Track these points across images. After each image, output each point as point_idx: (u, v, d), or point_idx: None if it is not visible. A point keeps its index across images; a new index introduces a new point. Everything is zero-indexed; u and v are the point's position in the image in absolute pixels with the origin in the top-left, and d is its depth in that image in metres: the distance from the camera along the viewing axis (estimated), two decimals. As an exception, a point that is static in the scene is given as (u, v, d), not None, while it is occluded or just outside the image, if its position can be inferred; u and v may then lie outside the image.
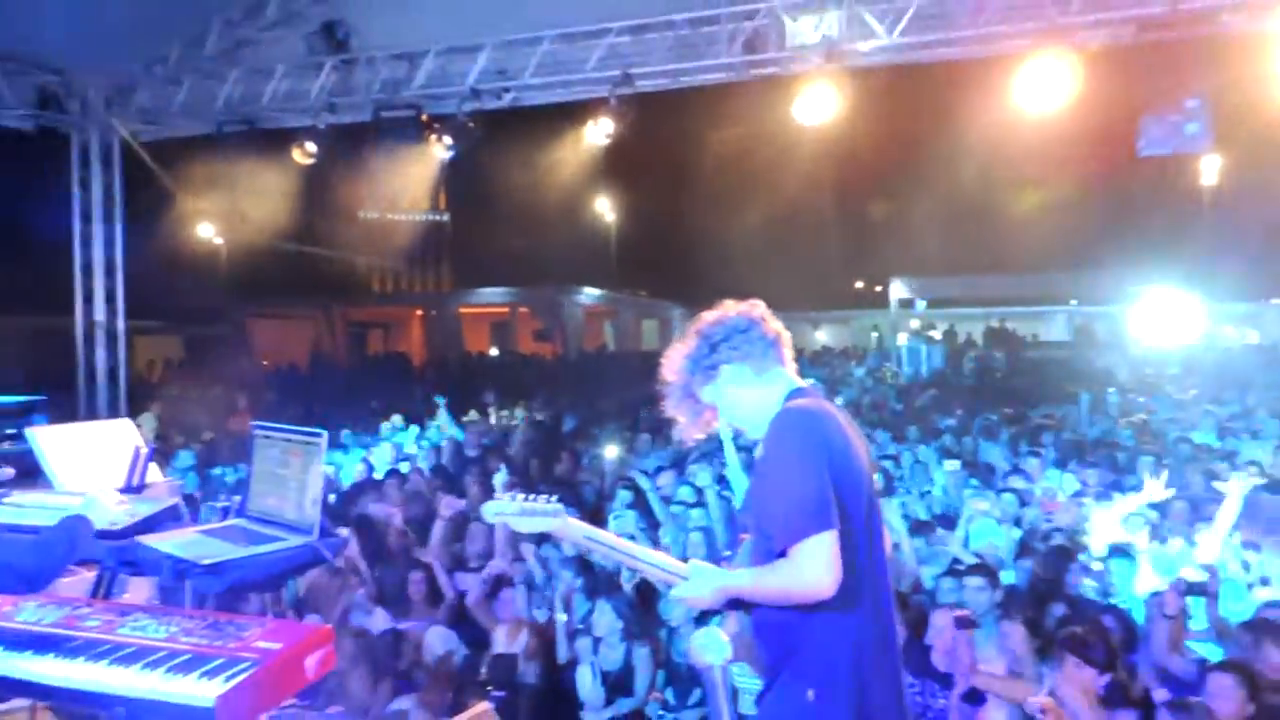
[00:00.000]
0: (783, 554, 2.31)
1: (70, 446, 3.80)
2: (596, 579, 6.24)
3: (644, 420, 12.79)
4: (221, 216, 18.24)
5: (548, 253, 33.18)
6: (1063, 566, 5.66)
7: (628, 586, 6.19)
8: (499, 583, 6.34)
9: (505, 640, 6.00)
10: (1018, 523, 7.06)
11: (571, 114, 10.39)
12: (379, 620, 6.08)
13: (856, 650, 2.37)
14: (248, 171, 10.83)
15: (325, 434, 3.05)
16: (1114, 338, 25.87)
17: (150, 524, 3.04)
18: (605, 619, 5.66)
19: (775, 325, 2.67)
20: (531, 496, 2.62)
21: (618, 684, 5.64)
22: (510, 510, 2.60)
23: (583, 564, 6.28)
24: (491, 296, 35.41)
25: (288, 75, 9.84)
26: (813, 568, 2.26)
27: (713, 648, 1.91)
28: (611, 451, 8.66)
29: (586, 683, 5.61)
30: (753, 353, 2.59)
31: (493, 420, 12.97)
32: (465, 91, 9.32)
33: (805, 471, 2.34)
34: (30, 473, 4.17)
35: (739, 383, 2.58)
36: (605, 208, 37.36)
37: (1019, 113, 8.49)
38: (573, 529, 2.62)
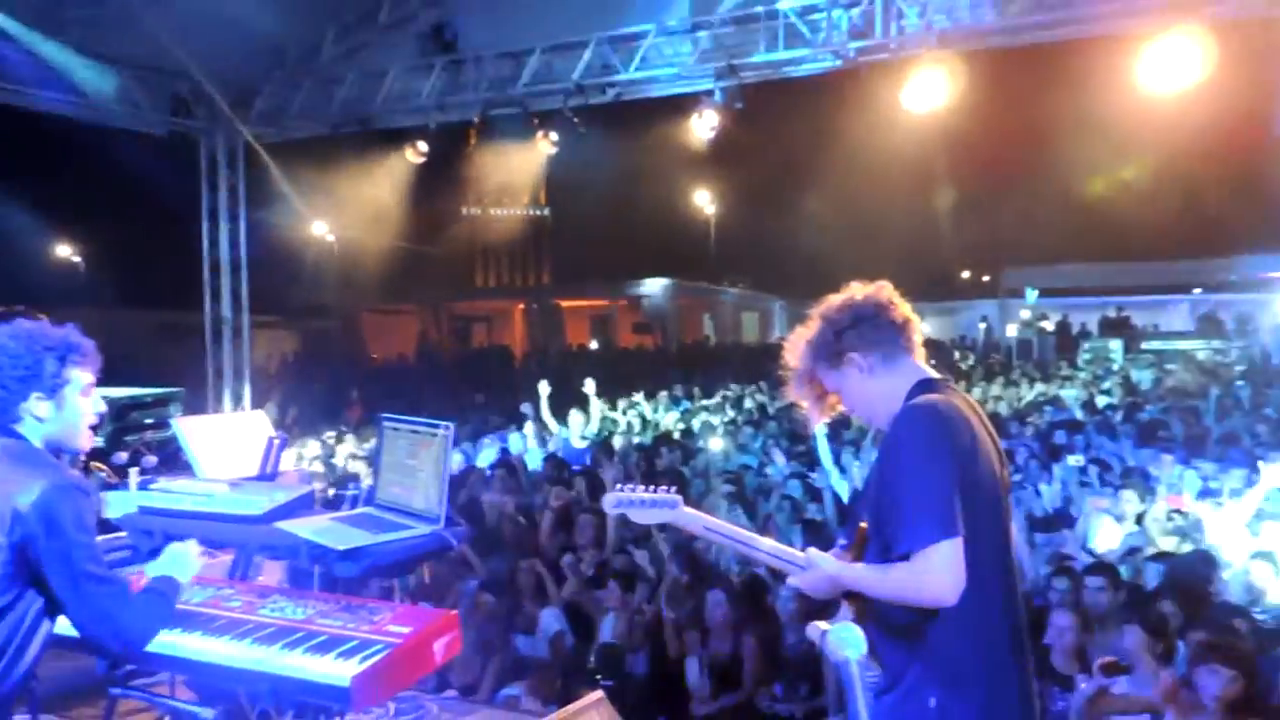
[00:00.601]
0: (905, 557, 2.25)
1: (210, 436, 4.01)
2: (703, 571, 6.26)
3: (746, 412, 12.79)
4: (334, 215, 18.85)
5: (648, 246, 33.32)
6: (1207, 571, 5.39)
7: (736, 578, 6.20)
8: (606, 573, 6.42)
9: (613, 630, 6.07)
10: (1139, 521, 6.80)
11: (673, 107, 10.42)
12: (489, 607, 6.23)
13: (984, 657, 2.30)
14: (359, 171, 11.20)
15: (452, 426, 3.14)
16: (1242, 327, 24.53)
17: (287, 510, 3.19)
18: (715, 610, 5.68)
19: (904, 310, 2.54)
20: (650, 487, 2.62)
21: (725, 675, 5.65)
22: (630, 501, 2.60)
23: (689, 556, 6.31)
24: (592, 290, 35.71)
25: (399, 77, 10.14)
26: (936, 576, 2.19)
27: (850, 642, 1.89)
28: (716, 444, 8.66)
29: (694, 674, 5.63)
30: (880, 340, 2.48)
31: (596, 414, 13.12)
32: (570, 88, 9.44)
33: (932, 473, 2.26)
34: (168, 460, 4.43)
35: (865, 372, 2.48)
36: (705, 200, 37.24)
37: (1140, 93, 8.10)
38: (691, 518, 2.61)
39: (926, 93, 8.31)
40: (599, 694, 4.03)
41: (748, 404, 13.49)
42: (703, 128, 9.07)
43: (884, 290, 2.56)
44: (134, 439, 4.41)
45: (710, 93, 8.97)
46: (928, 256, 34.69)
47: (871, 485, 2.56)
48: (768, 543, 2.60)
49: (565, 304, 35.99)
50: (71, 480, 2.23)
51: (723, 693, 5.60)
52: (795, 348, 2.59)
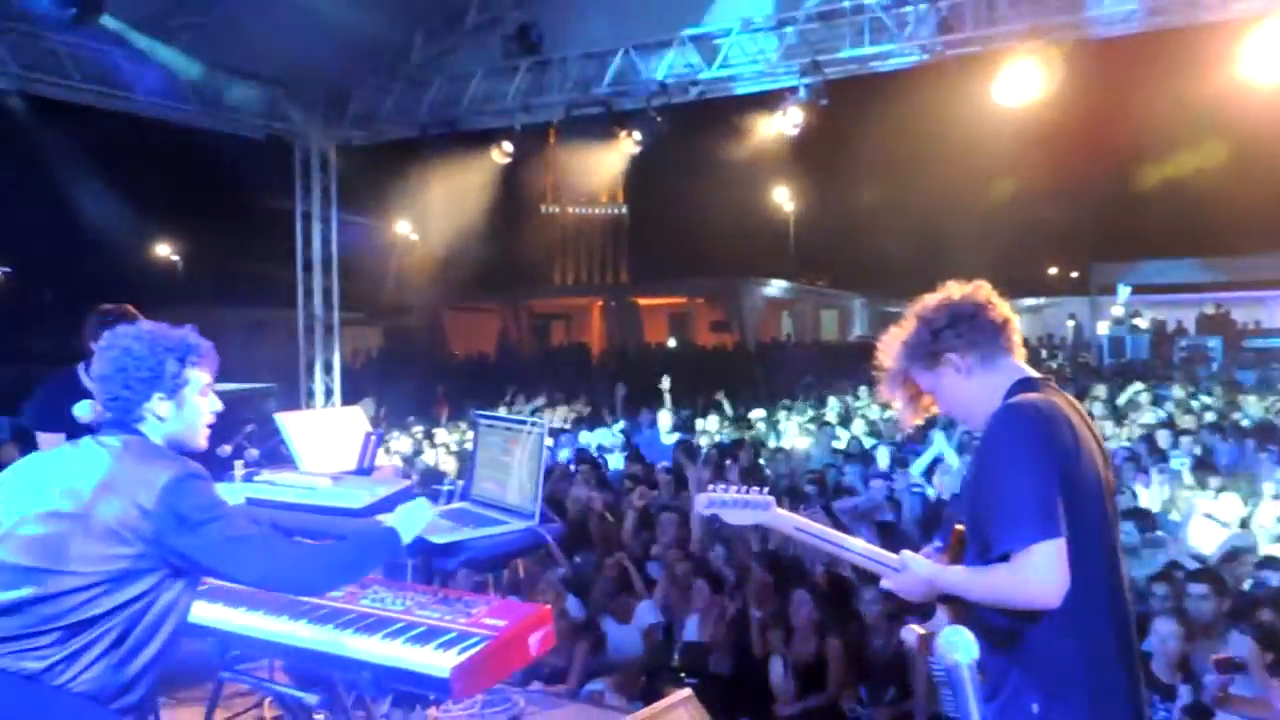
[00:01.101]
0: (1004, 558, 2.20)
1: (311, 430, 4.15)
2: (787, 572, 6.24)
3: (829, 411, 12.67)
4: (417, 214, 19.19)
5: (726, 243, 33.20)
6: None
7: (821, 580, 6.16)
8: (691, 572, 6.43)
9: (697, 629, 6.09)
10: (1243, 525, 6.55)
11: (752, 104, 10.36)
12: (574, 603, 6.30)
13: (1088, 662, 2.24)
14: (443, 171, 11.40)
15: (546, 423, 3.19)
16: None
17: (387, 504, 3.28)
18: (799, 610, 5.65)
19: (1002, 310, 2.48)
20: (742, 488, 2.62)
21: (809, 676, 5.61)
22: (722, 502, 2.59)
23: (774, 556, 6.29)
24: (670, 288, 35.73)
25: (485, 78, 10.27)
26: (1038, 578, 2.14)
27: (961, 646, 1.86)
28: (802, 443, 8.59)
29: (778, 675, 5.61)
30: (977, 340, 2.43)
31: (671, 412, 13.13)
32: (653, 87, 9.47)
33: (1032, 471, 2.21)
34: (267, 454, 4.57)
35: (962, 372, 2.44)
36: (784, 197, 36.95)
37: (1239, 82, 7.78)
38: (784, 520, 2.58)
39: (1019, 85, 8.12)
40: (687, 692, 4.04)
41: (832, 403, 13.37)
42: (786, 124, 9.00)
43: (982, 289, 2.51)
44: (237, 434, 4.57)
45: (794, 89, 8.90)
46: (1013, 252, 33.82)
47: (968, 486, 2.52)
48: (859, 544, 2.58)
49: (643, 302, 36.07)
50: (190, 469, 2.31)
51: (807, 694, 5.57)
52: (889, 348, 2.56)
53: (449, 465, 9.21)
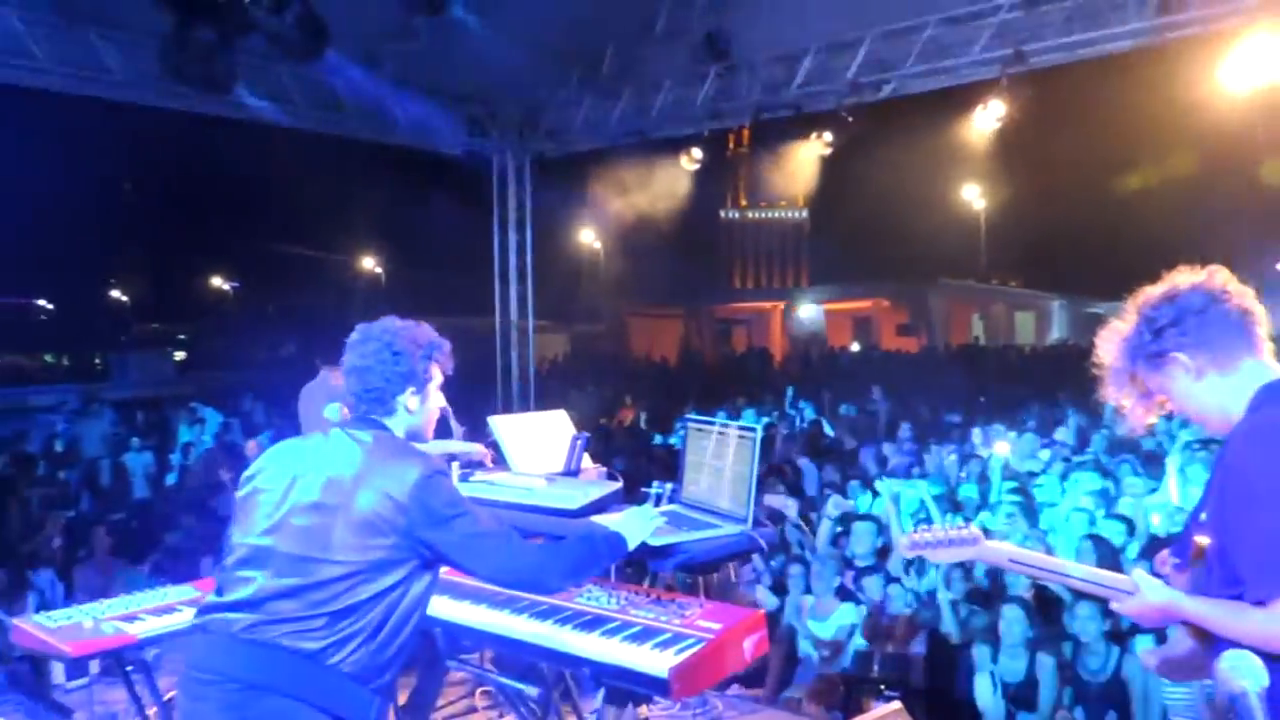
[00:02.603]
0: (1259, 603, 1.96)
1: (521, 433, 4.30)
2: (997, 585, 5.98)
3: (1027, 419, 12.00)
4: (604, 222, 19.62)
5: (912, 244, 32.29)
6: None
7: (1027, 595, 5.86)
8: (891, 581, 6.26)
9: (898, 641, 5.93)
10: None
11: (945, 100, 10.01)
12: (771, 606, 6.27)
13: None
14: (630, 180, 11.61)
15: (761, 427, 3.19)
16: None
17: (600, 505, 3.36)
18: (1011, 627, 5.39)
19: (1243, 301, 2.16)
20: (945, 524, 2.48)
21: (1018, 697, 5.36)
22: (928, 542, 2.41)
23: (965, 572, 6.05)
24: (853, 291, 35.02)
25: (674, 86, 10.38)
26: None
27: (1246, 671, 1.69)
28: (1002, 449, 8.17)
29: (986, 693, 5.38)
30: (1211, 338, 2.14)
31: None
32: (844, 87, 9.30)
33: None
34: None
35: (1192, 374, 2.16)
36: (974, 194, 35.50)
37: None
38: (995, 552, 2.39)
39: (1250, 66, 7.47)
40: (897, 705, 3.94)
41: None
42: (988, 119, 8.64)
43: (1216, 277, 2.18)
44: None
45: (994, 82, 8.53)
46: (1231, 247, 31.06)
47: (1211, 506, 2.28)
48: (1082, 569, 2.39)
49: (827, 306, 35.53)
50: (436, 466, 2.44)
51: (1017, 713, 5.31)
52: (1109, 344, 2.29)
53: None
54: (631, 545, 2.79)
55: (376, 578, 2.30)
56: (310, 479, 2.40)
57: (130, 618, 3.52)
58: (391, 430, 2.52)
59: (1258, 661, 1.66)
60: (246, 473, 2.56)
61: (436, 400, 2.63)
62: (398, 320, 2.60)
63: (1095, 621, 5.21)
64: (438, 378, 2.61)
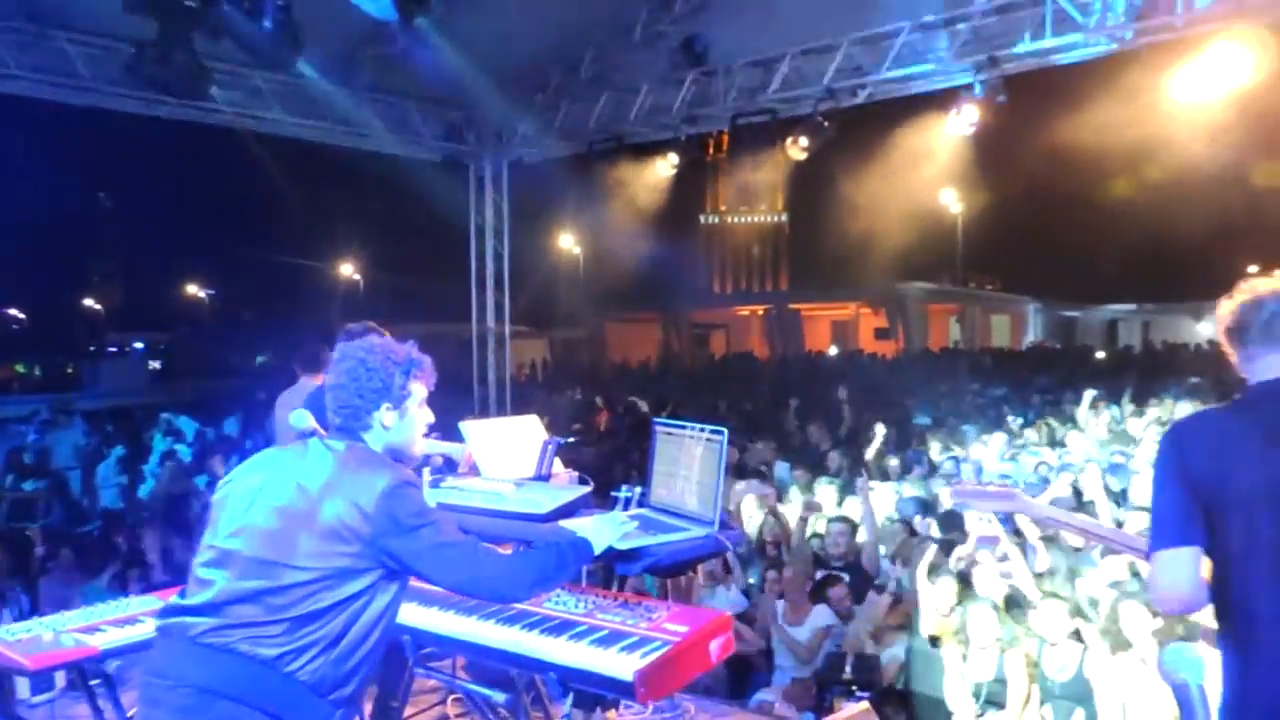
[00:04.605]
0: None
1: (492, 438, 4.28)
2: (964, 587, 6.00)
3: (1001, 422, 12.06)
4: (581, 228, 19.62)
5: (890, 249, 32.37)
6: None
7: (1000, 594, 5.88)
8: (864, 584, 6.28)
9: (871, 641, 5.94)
10: None
11: (921, 105, 10.06)
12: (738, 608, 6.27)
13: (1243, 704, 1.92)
14: (606, 185, 11.61)
15: (726, 431, 3.19)
16: None
17: (569, 510, 3.35)
18: (980, 625, 5.40)
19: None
20: (988, 481, 2.69)
21: (989, 696, 5.37)
22: (971, 493, 2.71)
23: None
24: (832, 295, 35.17)
25: (651, 91, 10.38)
26: None
27: (1186, 665, 1.71)
28: (978, 451, 8.24)
29: (955, 691, 5.39)
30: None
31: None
32: (820, 92, 9.33)
33: None
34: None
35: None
36: (951, 198, 35.72)
37: None
38: (1033, 506, 2.65)
39: (1223, 72, 7.54)
40: (865, 705, 3.95)
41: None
42: (961, 124, 8.69)
43: None
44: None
45: (968, 87, 8.59)
46: (1207, 250, 31.44)
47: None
48: (1107, 528, 2.54)
49: (804, 310, 35.65)
50: (405, 476, 2.43)
51: (988, 712, 5.32)
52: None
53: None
54: (598, 549, 2.79)
55: (338, 586, 2.29)
56: (280, 485, 2.40)
57: (91, 629, 3.47)
58: (368, 444, 2.51)
59: (1199, 654, 1.67)
60: (222, 479, 2.57)
61: (422, 416, 2.61)
62: (378, 338, 2.62)
63: (1061, 621, 5.25)
64: (419, 394, 2.59)
